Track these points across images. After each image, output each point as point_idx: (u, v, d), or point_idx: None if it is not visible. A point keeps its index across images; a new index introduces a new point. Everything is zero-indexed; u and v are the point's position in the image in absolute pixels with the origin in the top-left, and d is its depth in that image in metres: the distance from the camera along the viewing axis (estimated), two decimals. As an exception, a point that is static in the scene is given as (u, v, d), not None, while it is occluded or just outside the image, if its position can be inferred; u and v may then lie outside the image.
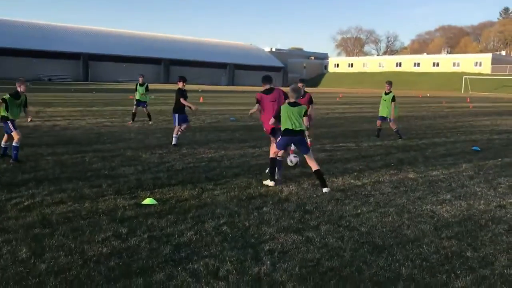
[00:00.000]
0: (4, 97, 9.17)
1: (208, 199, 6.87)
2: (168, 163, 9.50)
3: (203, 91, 53.48)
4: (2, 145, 9.50)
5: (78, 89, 48.01)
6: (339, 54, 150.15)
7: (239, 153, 11.09)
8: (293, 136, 7.79)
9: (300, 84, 10.85)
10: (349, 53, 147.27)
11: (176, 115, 12.03)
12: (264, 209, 6.45)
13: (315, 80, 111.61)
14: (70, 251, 4.77)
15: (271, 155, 8.13)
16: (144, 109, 17.49)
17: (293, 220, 6.00)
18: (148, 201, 6.59)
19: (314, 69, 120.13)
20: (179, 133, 12.13)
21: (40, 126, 15.50)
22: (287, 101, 8.06)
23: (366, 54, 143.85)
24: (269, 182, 7.92)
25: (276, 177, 8.05)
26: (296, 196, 7.17)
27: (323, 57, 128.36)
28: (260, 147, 11.94)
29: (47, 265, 4.40)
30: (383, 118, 14.71)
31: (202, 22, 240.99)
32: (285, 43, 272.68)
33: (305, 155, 7.87)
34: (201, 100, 32.91)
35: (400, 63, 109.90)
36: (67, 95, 35.54)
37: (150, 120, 17.50)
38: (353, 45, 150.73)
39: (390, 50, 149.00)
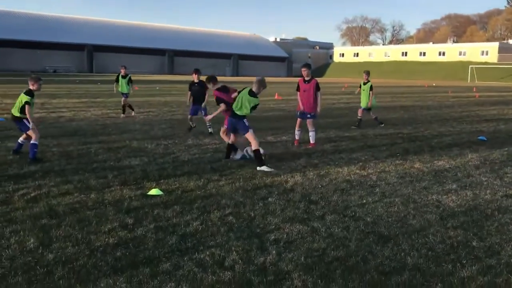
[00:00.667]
0: (28, 100, 8.58)
1: (214, 190, 6.88)
2: (173, 154, 9.52)
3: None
4: (19, 141, 9.01)
5: (83, 80, 48.10)
6: (344, 44, 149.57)
7: (243, 144, 11.07)
8: (233, 118, 8.71)
9: (304, 70, 10.81)
10: (354, 43, 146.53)
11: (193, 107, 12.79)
12: (270, 199, 6.46)
13: (320, 70, 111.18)
14: (77, 241, 4.80)
15: (225, 139, 9.27)
16: (123, 100, 16.58)
17: (298, 210, 6.01)
18: (154, 191, 6.61)
19: (319, 59, 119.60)
20: (207, 123, 12.20)
21: (46, 117, 15.56)
22: (249, 88, 8.74)
23: (371, 43, 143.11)
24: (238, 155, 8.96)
25: (231, 157, 9.05)
26: (301, 187, 7.17)
27: (328, 46, 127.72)
28: (264, 138, 11.93)
29: (54, 255, 4.44)
30: (365, 108, 14.97)
31: (206, 12, 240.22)
32: (290, 33, 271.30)
33: (245, 136, 8.63)
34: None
35: (406, 53, 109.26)
36: (72, 87, 35.61)
37: (132, 110, 16.78)
38: (359, 34, 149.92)
39: (396, 39, 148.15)
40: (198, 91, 12.52)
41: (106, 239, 4.87)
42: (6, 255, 4.42)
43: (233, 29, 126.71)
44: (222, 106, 9.20)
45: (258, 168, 8.24)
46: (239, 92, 8.81)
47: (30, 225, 5.23)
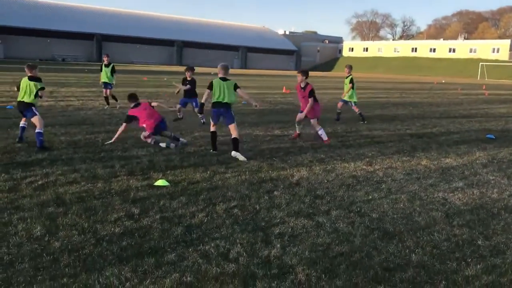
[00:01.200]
0: (43, 86, 9.04)
1: (220, 182, 6.90)
2: (180, 146, 9.53)
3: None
4: (21, 125, 9.13)
5: (91, 69, 48.17)
6: (354, 38, 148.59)
7: (250, 137, 11.09)
8: (220, 108, 8.80)
9: (299, 76, 10.69)
10: (364, 37, 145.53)
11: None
12: (275, 193, 6.47)
13: (329, 64, 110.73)
14: (83, 230, 4.84)
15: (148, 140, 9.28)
16: (108, 91, 16.10)
17: (303, 204, 6.02)
18: (160, 182, 6.64)
19: (328, 53, 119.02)
20: (199, 114, 12.67)
21: (54, 106, 15.63)
22: (219, 75, 8.95)
23: (381, 38, 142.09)
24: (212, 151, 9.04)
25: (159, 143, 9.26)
26: (307, 181, 7.17)
27: (338, 41, 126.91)
28: (271, 132, 11.92)
29: (61, 243, 4.48)
30: (345, 102, 14.98)
31: (216, 4, 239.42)
32: (299, 26, 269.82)
33: (229, 126, 8.82)
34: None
35: (416, 48, 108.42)
36: (81, 76, 35.71)
37: (116, 101, 16.25)
38: (369, 29, 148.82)
39: (406, 35, 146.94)
40: (189, 88, 13.00)
41: (112, 229, 4.90)
42: (13, 242, 4.47)
43: (243, 22, 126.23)
44: (123, 127, 9.31)
45: (233, 153, 8.61)
46: (207, 89, 8.88)
47: (37, 212, 5.28)
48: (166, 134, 9.35)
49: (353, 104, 14.86)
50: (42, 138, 8.62)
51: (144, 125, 9.15)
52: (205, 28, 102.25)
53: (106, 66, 16.16)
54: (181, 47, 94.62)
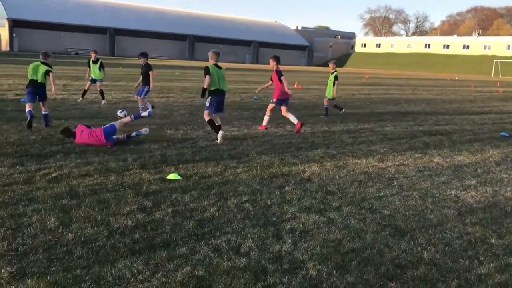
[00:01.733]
0: (51, 69, 10.30)
1: (231, 177, 6.92)
2: (192, 140, 9.58)
3: (227, 68, 53.36)
4: (28, 110, 9.81)
5: (104, 63, 48.44)
6: (366, 34, 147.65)
7: (262, 132, 11.09)
8: (221, 96, 9.27)
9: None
10: (377, 33, 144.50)
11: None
12: (286, 188, 6.47)
13: (341, 60, 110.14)
14: (96, 222, 4.89)
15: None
16: (98, 84, 15.59)
17: (315, 200, 6.02)
18: (172, 176, 6.68)
19: (340, 49, 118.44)
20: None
21: (67, 99, 15.76)
22: (212, 62, 9.17)
23: (394, 34, 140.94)
24: (219, 137, 9.30)
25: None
26: (319, 177, 7.16)
27: (350, 36, 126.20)
28: (283, 127, 11.91)
29: (74, 235, 4.53)
30: (330, 98, 14.94)
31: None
32: (311, 21, 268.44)
33: (217, 114, 9.41)
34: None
35: (429, 45, 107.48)
36: (94, 69, 35.86)
37: (103, 99, 15.41)
38: (381, 24, 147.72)
39: (419, 31, 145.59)
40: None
41: (125, 221, 4.94)
42: (28, 233, 4.53)
43: (254, 16, 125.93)
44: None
45: (220, 133, 9.26)
46: (207, 75, 9.01)
47: (51, 204, 5.34)
48: (121, 137, 8.91)
49: (328, 98, 14.79)
50: (48, 117, 10.21)
51: (96, 143, 8.52)
52: (217, 22, 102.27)
53: (94, 62, 15.80)
54: (193, 42, 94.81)
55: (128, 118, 9.23)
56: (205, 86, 9.11)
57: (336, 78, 14.57)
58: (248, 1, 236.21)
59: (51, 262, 3.98)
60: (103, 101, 15.36)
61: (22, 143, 8.40)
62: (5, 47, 77.99)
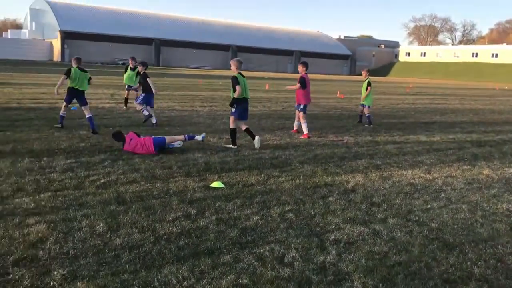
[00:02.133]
0: (89, 76, 11.52)
1: (274, 186, 6.92)
2: (234, 148, 9.64)
3: (268, 78, 53.57)
4: (61, 114, 11.19)
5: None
6: (411, 43, 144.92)
7: (304, 141, 11.05)
8: (246, 104, 9.67)
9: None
10: (421, 42, 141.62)
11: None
12: (330, 198, 6.41)
13: (385, 69, 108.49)
14: (143, 228, 5.00)
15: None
16: (130, 92, 16.01)
17: (359, 211, 5.92)
18: (216, 184, 6.75)
19: (383, 58, 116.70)
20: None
21: (115, 108, 16.25)
22: (236, 71, 9.42)
23: (439, 43, 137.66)
24: (256, 142, 9.62)
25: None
26: (363, 188, 7.05)
27: (394, 45, 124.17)
28: (325, 137, 11.82)
29: (122, 240, 4.64)
30: (363, 105, 14.91)
31: (270, 8, 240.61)
32: (355, 31, 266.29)
33: (244, 121, 9.77)
34: (266, 87, 33.03)
35: (477, 54, 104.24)
36: (139, 79, 36.81)
37: (125, 106, 15.99)
38: (426, 33, 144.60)
39: (466, 40, 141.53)
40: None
41: (170, 228, 5.03)
42: (78, 237, 4.68)
43: (296, 26, 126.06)
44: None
45: (257, 138, 9.65)
46: (235, 84, 9.29)
47: (100, 210, 5.50)
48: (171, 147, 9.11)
49: (365, 106, 14.77)
50: (93, 121, 10.82)
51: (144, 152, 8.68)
52: (259, 32, 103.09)
53: (132, 69, 16.10)
54: (236, 52, 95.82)
55: (181, 137, 9.27)
56: (237, 96, 9.38)
57: (369, 84, 14.71)
58: (291, 12, 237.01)
59: (100, 266, 4.09)
60: (124, 107, 15.93)
61: (72, 150, 8.71)
62: (57, 57, 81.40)
